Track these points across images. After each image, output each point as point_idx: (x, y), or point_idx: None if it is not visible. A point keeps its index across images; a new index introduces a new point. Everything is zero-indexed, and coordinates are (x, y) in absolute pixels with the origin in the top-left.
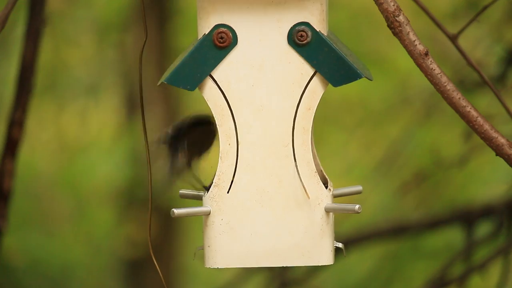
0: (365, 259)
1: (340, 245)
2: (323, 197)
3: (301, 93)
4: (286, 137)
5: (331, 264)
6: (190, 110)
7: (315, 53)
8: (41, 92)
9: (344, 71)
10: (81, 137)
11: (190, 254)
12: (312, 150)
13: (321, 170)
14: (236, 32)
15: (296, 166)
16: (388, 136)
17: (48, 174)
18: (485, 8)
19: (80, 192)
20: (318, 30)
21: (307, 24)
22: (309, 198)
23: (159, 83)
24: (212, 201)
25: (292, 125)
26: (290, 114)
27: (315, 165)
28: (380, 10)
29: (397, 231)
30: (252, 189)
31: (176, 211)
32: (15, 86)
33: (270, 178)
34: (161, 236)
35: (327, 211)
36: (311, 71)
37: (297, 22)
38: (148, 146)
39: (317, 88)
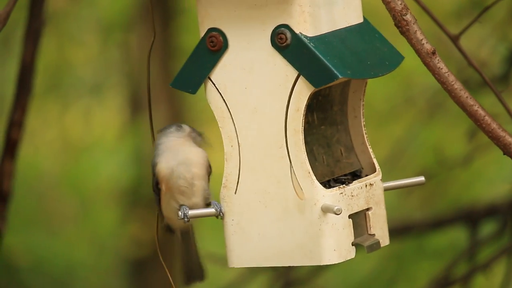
0: (369, 259)
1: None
2: (319, 197)
3: (288, 94)
4: (280, 139)
5: (336, 264)
6: (194, 109)
7: (296, 55)
8: (44, 91)
9: (323, 72)
10: (85, 136)
11: None
12: (364, 140)
13: (372, 160)
14: (227, 35)
15: (291, 167)
16: (392, 135)
17: (52, 174)
18: (486, 9)
19: (84, 192)
20: (298, 32)
21: (286, 26)
22: (301, 199)
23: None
24: (223, 201)
25: (284, 126)
26: (281, 116)
27: (358, 154)
28: (387, 9)
29: (401, 231)
30: (256, 189)
31: (187, 212)
32: (14, 87)
33: (269, 179)
34: (166, 235)
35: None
36: (295, 73)
37: (278, 24)
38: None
39: (303, 89)
